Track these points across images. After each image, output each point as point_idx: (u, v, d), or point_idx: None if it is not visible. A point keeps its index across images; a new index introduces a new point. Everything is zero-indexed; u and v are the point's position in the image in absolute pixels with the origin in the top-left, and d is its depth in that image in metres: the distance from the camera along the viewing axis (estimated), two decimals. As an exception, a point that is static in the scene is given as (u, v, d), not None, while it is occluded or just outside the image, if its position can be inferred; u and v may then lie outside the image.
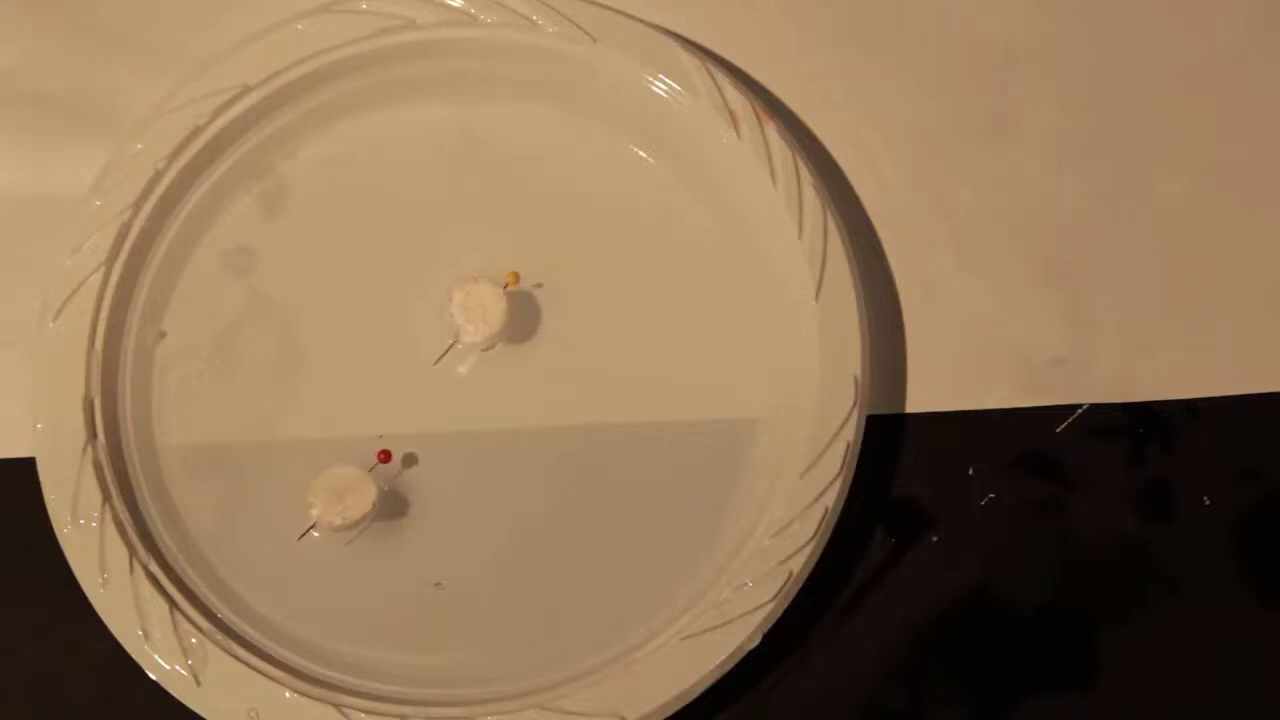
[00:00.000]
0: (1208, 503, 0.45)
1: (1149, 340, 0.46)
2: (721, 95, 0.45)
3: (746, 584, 0.41)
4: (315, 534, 0.43)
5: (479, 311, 0.43)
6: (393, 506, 0.44)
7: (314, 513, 0.42)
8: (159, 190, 0.44)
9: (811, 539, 0.42)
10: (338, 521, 0.42)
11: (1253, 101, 0.49)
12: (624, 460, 0.44)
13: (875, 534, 0.44)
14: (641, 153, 0.46)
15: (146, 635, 0.41)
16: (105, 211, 0.44)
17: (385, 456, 0.43)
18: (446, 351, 0.44)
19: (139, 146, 0.45)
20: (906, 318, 0.46)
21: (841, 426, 0.42)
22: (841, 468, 0.42)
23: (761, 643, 0.41)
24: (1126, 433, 0.45)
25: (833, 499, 0.42)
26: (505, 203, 0.46)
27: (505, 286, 0.44)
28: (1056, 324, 0.46)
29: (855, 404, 0.43)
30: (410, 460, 0.44)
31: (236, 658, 0.41)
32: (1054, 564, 0.44)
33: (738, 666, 0.41)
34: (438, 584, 0.43)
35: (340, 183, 0.46)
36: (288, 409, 0.45)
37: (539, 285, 0.45)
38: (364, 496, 0.42)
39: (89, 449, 0.42)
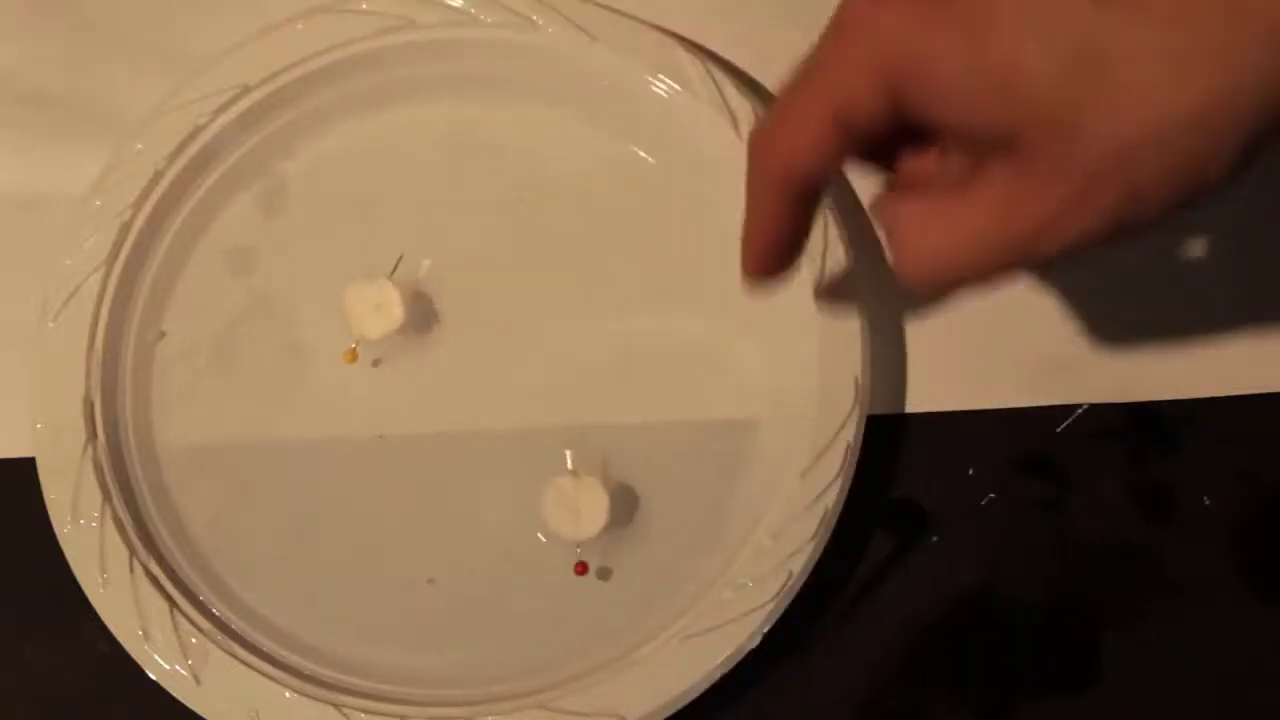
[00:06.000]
0: (1207, 503, 0.45)
1: (1149, 340, 0.46)
2: (721, 95, 0.45)
3: (746, 584, 0.41)
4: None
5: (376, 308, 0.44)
6: (394, 506, 0.44)
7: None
8: (159, 190, 0.44)
9: (811, 539, 0.42)
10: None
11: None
12: (623, 460, 0.44)
13: (875, 534, 0.44)
14: (641, 153, 0.46)
15: (146, 635, 0.41)
16: (105, 211, 0.44)
17: (582, 569, 0.43)
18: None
19: (139, 146, 0.45)
20: (906, 318, 0.46)
21: (842, 427, 0.42)
22: (841, 468, 0.42)
23: (761, 643, 0.41)
24: (1126, 433, 0.45)
25: (833, 499, 0.42)
26: (505, 203, 0.46)
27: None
28: (1056, 324, 0.46)
29: (855, 404, 0.43)
30: (411, 460, 0.44)
31: (236, 658, 0.41)
32: (1054, 564, 0.44)
33: (738, 666, 0.41)
34: (430, 580, 0.43)
35: (340, 183, 0.46)
36: (288, 409, 0.45)
37: (538, 285, 0.45)
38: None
39: (89, 449, 0.42)
